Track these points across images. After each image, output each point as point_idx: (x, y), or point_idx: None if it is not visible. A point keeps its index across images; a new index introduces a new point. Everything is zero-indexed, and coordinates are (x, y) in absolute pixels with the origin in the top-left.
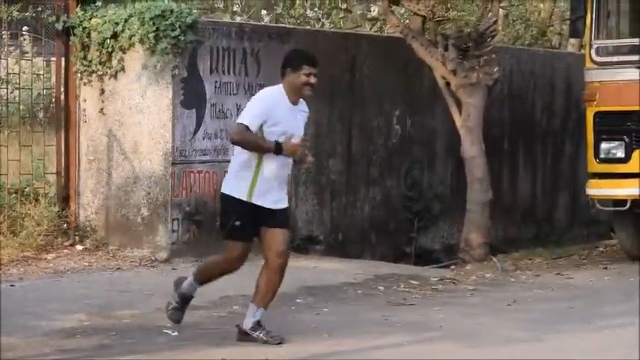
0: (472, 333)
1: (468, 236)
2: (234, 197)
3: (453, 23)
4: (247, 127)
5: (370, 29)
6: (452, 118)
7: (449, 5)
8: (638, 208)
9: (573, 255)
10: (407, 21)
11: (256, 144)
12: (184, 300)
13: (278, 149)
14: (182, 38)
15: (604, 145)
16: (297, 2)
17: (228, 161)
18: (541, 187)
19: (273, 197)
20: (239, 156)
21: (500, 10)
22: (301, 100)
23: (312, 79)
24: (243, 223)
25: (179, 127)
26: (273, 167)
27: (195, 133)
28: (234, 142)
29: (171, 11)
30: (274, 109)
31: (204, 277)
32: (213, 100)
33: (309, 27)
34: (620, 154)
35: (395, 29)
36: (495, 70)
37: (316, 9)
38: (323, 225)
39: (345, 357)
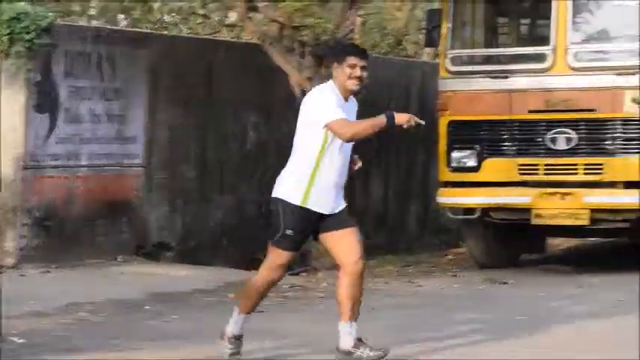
0: (322, 340)
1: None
2: (286, 201)
3: (310, 30)
4: (344, 119)
5: (228, 35)
6: None
7: (306, 12)
8: (487, 217)
9: (423, 263)
10: (264, 27)
11: (369, 126)
12: (238, 340)
13: (391, 120)
14: (37, 41)
15: (455, 154)
16: (155, 7)
17: (82, 166)
18: (393, 194)
19: (331, 203)
20: (295, 157)
21: (358, 18)
22: (352, 97)
23: (358, 72)
24: (295, 232)
25: (31, 131)
26: (331, 172)
27: (47, 137)
28: (351, 139)
29: (26, 14)
30: (340, 103)
31: (249, 303)
32: (67, 105)
33: (166, 32)
34: (471, 163)
35: (252, 35)
36: None
37: (174, 14)
38: (175, 231)
39: None
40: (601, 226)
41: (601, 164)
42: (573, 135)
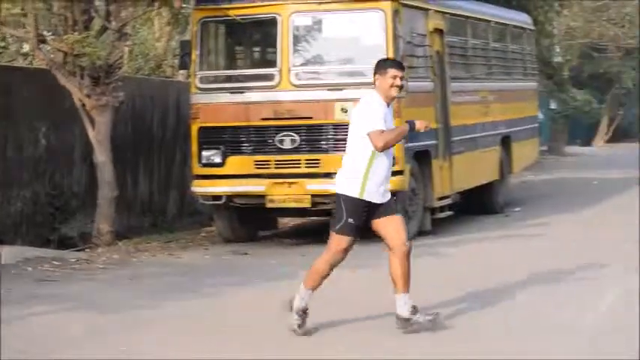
0: (104, 302)
1: (99, 226)
2: (347, 195)
3: (88, 57)
4: (382, 130)
5: (23, 62)
6: (87, 132)
7: (84, 43)
8: (231, 202)
9: (182, 239)
10: (52, 56)
11: (397, 135)
12: (304, 313)
13: (412, 127)
14: None
15: (205, 153)
16: None
17: None
18: (157, 186)
19: (381, 192)
20: (350, 158)
21: (125, 47)
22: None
23: (398, 81)
24: (355, 220)
25: None
26: (383, 166)
27: None
28: (383, 148)
29: None
30: (384, 110)
31: (316, 283)
32: None
33: None
34: (217, 159)
35: (42, 62)
36: (121, 94)
37: None
38: None
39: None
40: (320, 208)
41: (319, 159)
42: (296, 137)
